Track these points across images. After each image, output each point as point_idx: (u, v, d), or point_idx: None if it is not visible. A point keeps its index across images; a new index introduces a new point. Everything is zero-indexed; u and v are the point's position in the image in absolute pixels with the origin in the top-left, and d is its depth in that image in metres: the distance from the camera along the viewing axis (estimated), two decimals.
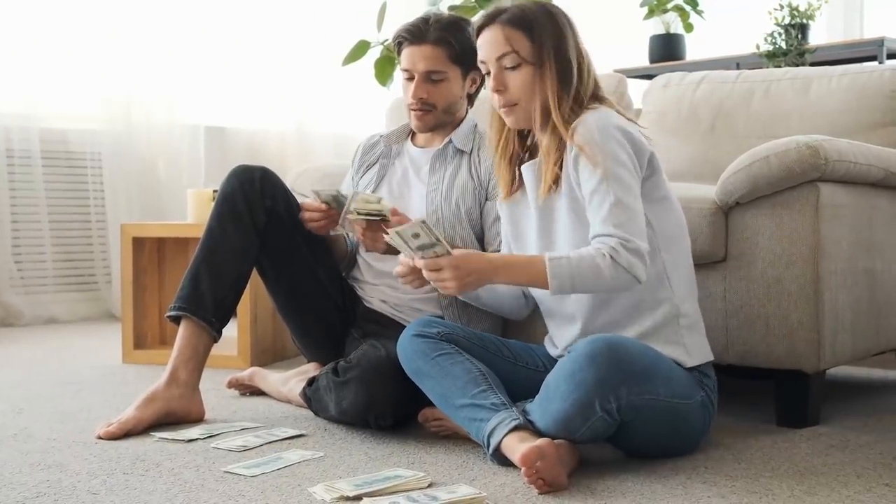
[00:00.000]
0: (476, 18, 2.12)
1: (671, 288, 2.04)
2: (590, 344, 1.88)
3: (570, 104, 2.04)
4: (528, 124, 2.11)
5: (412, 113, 2.58)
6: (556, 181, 2.05)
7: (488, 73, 2.11)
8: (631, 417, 1.89)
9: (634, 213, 1.95)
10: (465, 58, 2.54)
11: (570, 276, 1.92)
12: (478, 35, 2.12)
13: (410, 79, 2.54)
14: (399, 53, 2.57)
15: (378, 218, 2.32)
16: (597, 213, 1.96)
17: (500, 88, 2.07)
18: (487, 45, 2.09)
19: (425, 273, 1.97)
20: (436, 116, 2.57)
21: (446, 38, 2.50)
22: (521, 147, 2.19)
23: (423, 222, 1.90)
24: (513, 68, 2.06)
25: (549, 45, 2.05)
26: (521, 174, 2.17)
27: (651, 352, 1.96)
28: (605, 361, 1.85)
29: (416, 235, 1.91)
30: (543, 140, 2.09)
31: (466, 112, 2.65)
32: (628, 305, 2.03)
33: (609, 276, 1.91)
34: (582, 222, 2.02)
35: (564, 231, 2.06)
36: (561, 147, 2.05)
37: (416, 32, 2.52)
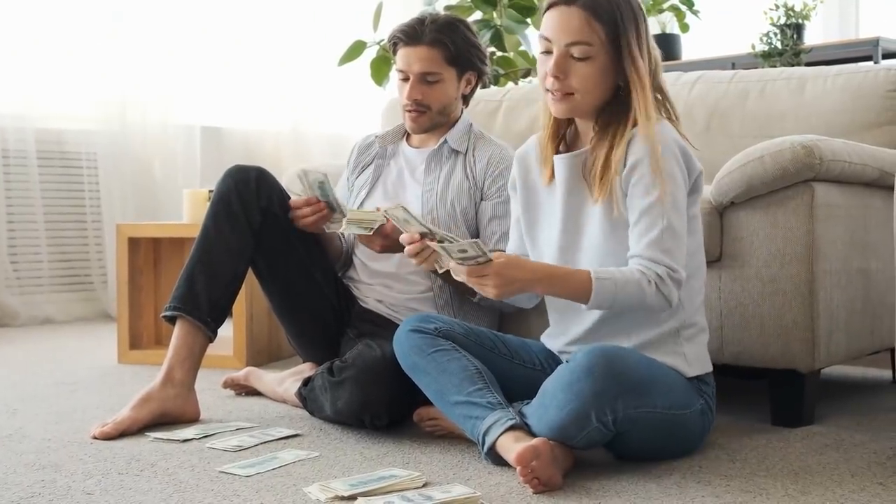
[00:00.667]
0: None
1: (682, 303, 2.01)
2: (588, 355, 1.86)
3: (641, 104, 1.96)
4: (575, 115, 2.04)
5: (407, 114, 2.58)
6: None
7: (548, 53, 1.99)
8: (627, 429, 1.89)
9: (682, 239, 1.94)
10: (460, 59, 2.54)
11: (613, 296, 1.90)
12: (548, 8, 1.99)
13: (406, 79, 2.55)
14: (395, 53, 2.57)
15: (372, 228, 2.33)
16: (645, 234, 1.92)
17: (559, 76, 1.97)
18: (559, 27, 1.96)
19: (466, 277, 1.91)
20: (430, 118, 2.57)
21: (442, 40, 2.50)
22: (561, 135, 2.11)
23: (476, 242, 1.85)
24: (581, 59, 1.96)
25: (630, 35, 1.95)
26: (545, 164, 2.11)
27: (650, 363, 1.94)
28: (602, 374, 1.84)
29: (464, 251, 1.87)
30: (602, 144, 2.00)
31: (462, 113, 2.65)
32: (640, 315, 2.01)
33: (650, 303, 1.91)
34: (614, 230, 1.99)
35: (593, 236, 2.02)
36: (621, 154, 1.96)
37: (412, 33, 2.52)
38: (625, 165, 1.96)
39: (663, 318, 2.01)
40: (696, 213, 2.07)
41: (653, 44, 2.02)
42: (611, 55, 1.96)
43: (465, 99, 2.65)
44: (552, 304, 2.16)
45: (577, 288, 1.92)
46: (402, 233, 2.06)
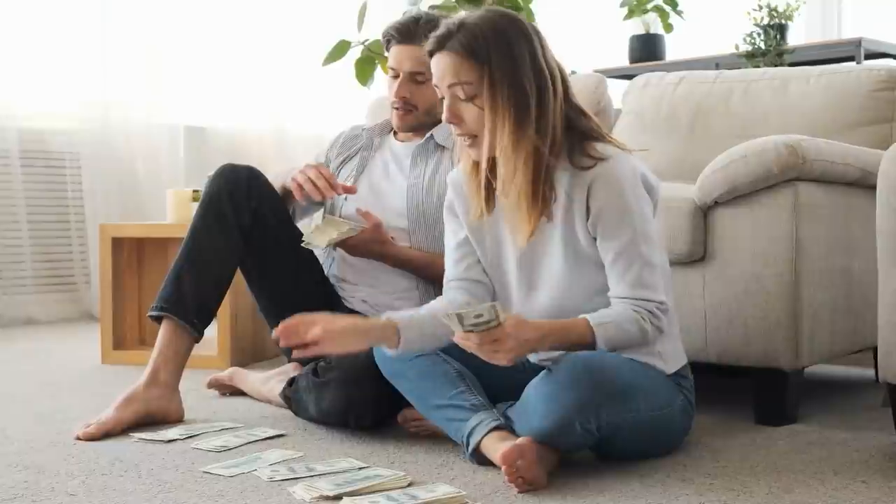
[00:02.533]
0: (428, 41, 1.97)
1: None
2: (570, 367, 1.86)
3: (553, 137, 1.92)
4: (494, 154, 1.95)
5: (394, 111, 2.58)
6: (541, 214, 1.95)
7: (442, 99, 1.97)
8: (611, 433, 1.89)
9: (658, 270, 1.95)
10: None
11: (615, 341, 1.90)
12: (429, 57, 1.97)
13: (396, 77, 2.55)
14: (387, 50, 2.57)
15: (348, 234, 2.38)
16: (624, 275, 1.92)
17: (454, 121, 1.94)
18: (438, 72, 1.95)
19: (477, 348, 1.79)
20: (417, 118, 2.57)
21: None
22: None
23: (494, 305, 1.76)
24: (467, 99, 1.92)
25: (503, 71, 1.88)
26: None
27: (631, 366, 1.93)
28: (585, 384, 1.84)
29: (479, 315, 1.77)
30: (508, 182, 1.93)
31: None
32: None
33: (650, 338, 1.93)
34: (578, 263, 1.97)
35: (553, 269, 2.00)
36: (548, 191, 1.93)
37: (406, 32, 2.52)
38: (588, 213, 1.93)
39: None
40: (658, 227, 2.04)
41: (552, 68, 1.94)
42: (500, 90, 1.89)
43: None
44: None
45: (580, 338, 1.90)
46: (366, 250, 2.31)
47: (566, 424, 1.83)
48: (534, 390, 1.91)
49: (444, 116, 1.97)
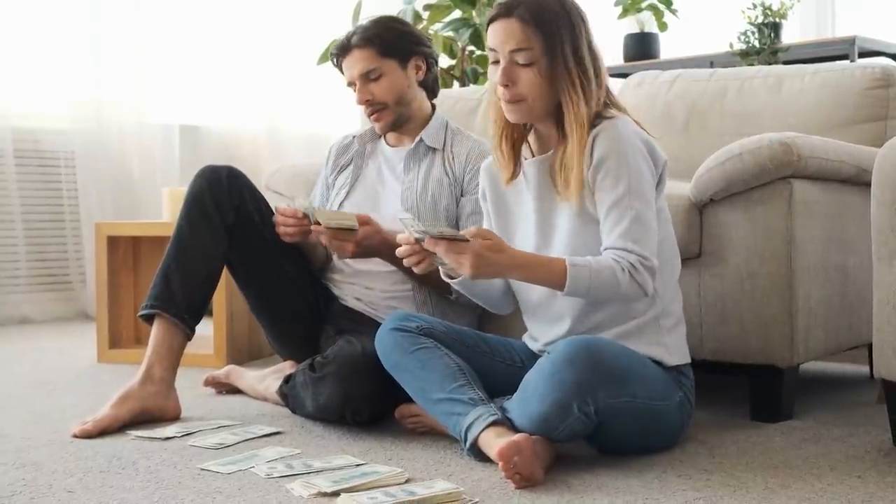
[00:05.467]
0: (493, 7, 2.06)
1: (657, 291, 2.03)
2: (568, 346, 1.89)
3: (586, 108, 2.00)
4: (530, 120, 2.08)
5: (370, 118, 2.61)
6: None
7: (496, 63, 2.04)
8: (608, 418, 1.90)
9: (651, 229, 1.97)
10: (393, 49, 2.56)
11: (588, 284, 1.92)
12: (490, 23, 2.05)
13: (353, 85, 2.57)
14: (341, 71, 2.61)
15: (348, 231, 2.35)
16: (615, 227, 1.95)
17: (508, 83, 2.02)
18: (500, 37, 2.02)
19: (445, 253, 1.91)
20: (392, 112, 2.58)
21: (368, 38, 2.54)
22: (523, 135, 2.14)
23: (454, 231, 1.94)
24: (525, 65, 2.01)
25: (566, 44, 2.00)
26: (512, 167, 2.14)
27: (629, 353, 1.97)
28: (583, 364, 1.86)
29: (442, 231, 1.91)
30: (565, 145, 2.03)
31: (433, 107, 2.67)
32: (616, 310, 2.03)
33: (624, 291, 1.93)
34: (585, 227, 2.02)
35: (563, 234, 2.05)
36: (582, 152, 2.00)
37: (343, 45, 2.58)
38: (591, 163, 1.99)
39: (640, 308, 2.04)
40: (663, 206, 2.10)
41: (597, 47, 2.06)
42: (553, 60, 2.00)
43: (428, 88, 2.66)
44: (528, 309, 2.18)
45: (553, 274, 1.94)
46: (373, 241, 2.27)
47: (564, 405, 1.85)
48: (532, 373, 1.93)
49: (496, 79, 2.03)
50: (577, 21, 2.03)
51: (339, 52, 2.59)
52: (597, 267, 1.92)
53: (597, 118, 2.02)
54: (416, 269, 2.02)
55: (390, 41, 2.56)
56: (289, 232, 2.47)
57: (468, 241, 1.90)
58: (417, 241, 1.96)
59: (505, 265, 1.94)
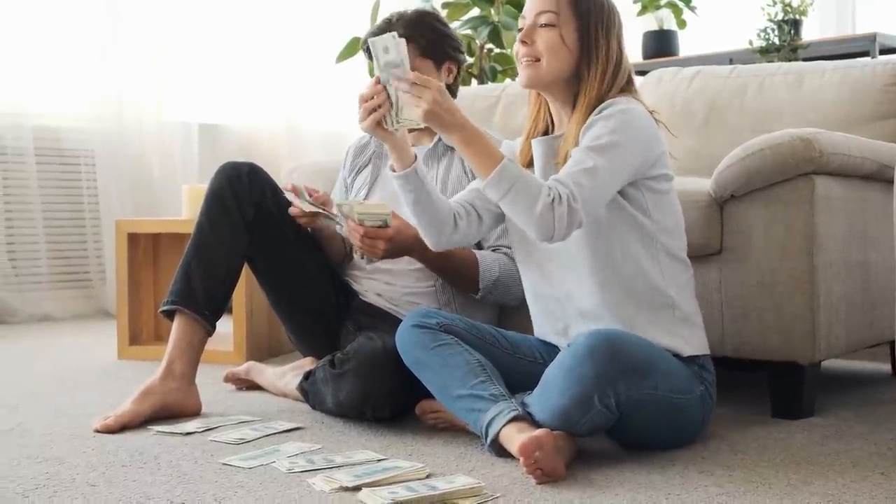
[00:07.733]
0: None
1: (663, 276, 2.03)
2: (589, 338, 1.88)
3: (599, 88, 2.03)
4: (539, 86, 2.08)
5: None
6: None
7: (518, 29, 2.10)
8: (630, 412, 1.90)
9: (601, 190, 1.93)
10: (434, 50, 2.55)
11: (511, 184, 1.89)
12: None
13: None
14: (370, 59, 2.57)
15: (382, 224, 2.31)
16: (569, 167, 1.93)
17: (526, 41, 2.05)
18: (532, 3, 2.07)
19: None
20: None
21: (412, 34, 2.51)
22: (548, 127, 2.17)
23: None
24: (546, 26, 2.04)
25: (597, 22, 2.05)
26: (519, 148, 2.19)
27: (650, 346, 1.97)
28: (603, 356, 1.86)
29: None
30: (569, 120, 2.07)
31: None
32: (626, 300, 2.03)
33: (538, 213, 1.88)
34: None
35: None
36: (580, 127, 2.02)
37: (383, 30, 2.52)
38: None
39: (647, 295, 2.02)
40: (671, 191, 2.08)
41: (624, 47, 2.10)
42: (576, 30, 2.04)
43: (452, 91, 2.66)
44: (535, 303, 2.18)
45: (489, 156, 1.92)
46: (407, 236, 2.29)
47: (585, 399, 1.85)
48: (553, 367, 1.93)
49: (519, 38, 2.08)
50: (612, 10, 2.09)
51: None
52: (529, 178, 1.91)
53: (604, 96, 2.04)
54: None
55: (432, 41, 2.55)
56: (306, 220, 2.48)
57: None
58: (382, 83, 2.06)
59: (458, 118, 1.93)
